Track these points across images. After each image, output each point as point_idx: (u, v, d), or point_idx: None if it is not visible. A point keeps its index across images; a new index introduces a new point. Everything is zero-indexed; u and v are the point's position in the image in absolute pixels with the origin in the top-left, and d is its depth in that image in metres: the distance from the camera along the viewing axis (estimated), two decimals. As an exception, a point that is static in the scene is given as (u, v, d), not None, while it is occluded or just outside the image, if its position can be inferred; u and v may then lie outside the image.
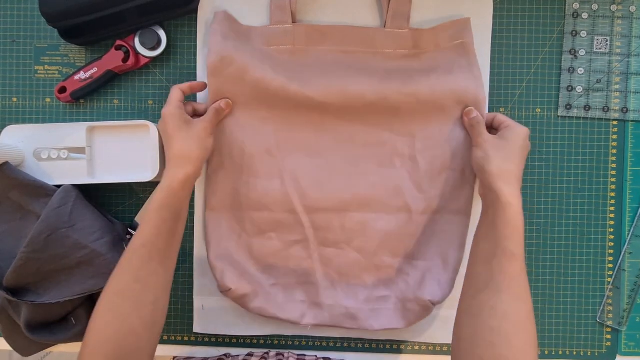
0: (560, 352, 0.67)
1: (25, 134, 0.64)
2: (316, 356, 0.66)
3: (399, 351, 0.68)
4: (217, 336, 0.68)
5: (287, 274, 0.66)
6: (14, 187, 0.61)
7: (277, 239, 0.65)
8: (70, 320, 0.63)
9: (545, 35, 0.66)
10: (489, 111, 0.65)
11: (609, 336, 0.67)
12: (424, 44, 0.64)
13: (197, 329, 0.68)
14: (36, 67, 0.68)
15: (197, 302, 0.68)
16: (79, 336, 0.63)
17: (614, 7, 0.65)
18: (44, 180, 0.62)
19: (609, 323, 0.66)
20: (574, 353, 0.67)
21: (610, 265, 0.66)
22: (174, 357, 0.67)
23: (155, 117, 0.67)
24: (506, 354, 0.47)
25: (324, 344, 0.68)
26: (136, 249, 0.54)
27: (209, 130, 0.60)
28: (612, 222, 0.66)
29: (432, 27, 0.63)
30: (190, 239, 0.67)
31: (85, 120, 0.68)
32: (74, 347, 0.65)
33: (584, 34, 0.65)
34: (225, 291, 0.64)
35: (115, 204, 0.68)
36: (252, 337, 0.68)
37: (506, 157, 0.56)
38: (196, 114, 0.63)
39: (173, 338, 0.69)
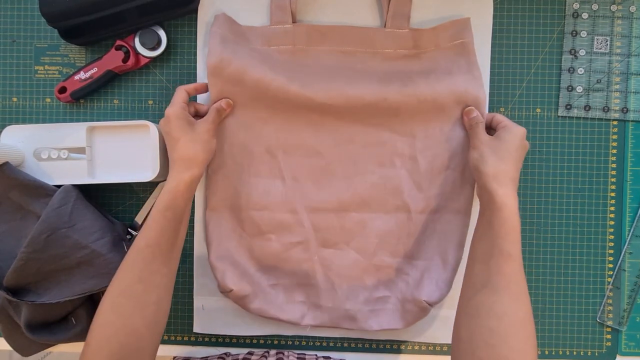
0: (560, 352, 0.67)
1: (25, 134, 0.64)
2: (316, 355, 0.66)
3: (398, 351, 0.68)
4: (217, 336, 0.68)
5: (287, 275, 0.66)
6: (14, 187, 0.61)
7: (277, 241, 0.65)
8: (70, 320, 0.63)
9: (545, 35, 0.66)
10: (489, 111, 0.65)
11: (609, 336, 0.67)
12: (424, 43, 0.64)
13: (197, 329, 0.68)
14: (36, 67, 0.68)
15: (197, 302, 0.68)
16: (79, 336, 0.63)
17: (614, 7, 0.65)
18: (44, 180, 0.62)
19: (609, 323, 0.66)
20: (574, 353, 0.67)
21: (610, 265, 0.66)
22: (174, 357, 0.67)
23: (155, 117, 0.67)
24: (505, 354, 0.47)
25: (324, 344, 0.68)
26: (140, 250, 0.54)
27: (212, 132, 0.60)
28: (612, 222, 0.66)
29: (432, 27, 0.63)
30: (190, 239, 0.67)
31: (85, 120, 0.68)
32: (74, 347, 0.65)
33: (584, 34, 0.65)
34: (226, 292, 0.64)
35: (115, 204, 0.68)
36: (252, 337, 0.68)
37: (501, 157, 0.56)
38: (198, 115, 0.63)
39: (173, 338, 0.69)
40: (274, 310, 0.64)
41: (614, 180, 0.66)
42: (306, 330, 0.67)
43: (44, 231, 0.58)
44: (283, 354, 0.64)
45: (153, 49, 0.65)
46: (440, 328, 0.67)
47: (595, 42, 0.65)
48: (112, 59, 0.64)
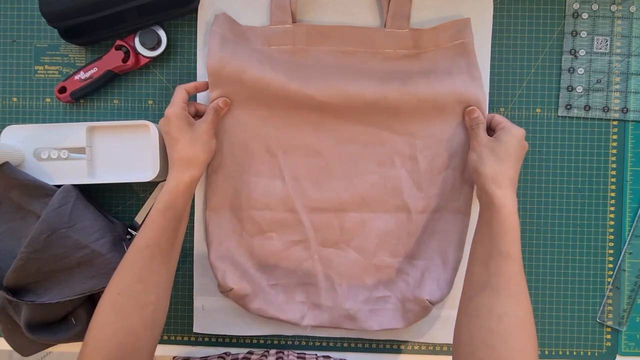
0: (560, 352, 0.67)
1: (25, 134, 0.64)
2: (316, 355, 0.66)
3: (399, 351, 0.68)
4: (217, 336, 0.68)
5: (287, 274, 0.66)
6: (14, 187, 0.61)
7: (278, 239, 0.65)
8: (70, 320, 0.63)
9: (545, 35, 0.66)
10: (489, 111, 0.65)
11: (609, 336, 0.67)
12: (424, 43, 0.64)
13: (197, 329, 0.68)
14: (36, 67, 0.68)
15: (197, 302, 0.68)
16: (79, 336, 0.63)
17: (614, 7, 0.65)
18: (44, 180, 0.62)
19: (609, 323, 0.66)
20: (574, 353, 0.67)
21: (610, 265, 0.66)
22: (174, 357, 0.67)
23: (155, 117, 0.67)
24: (505, 355, 0.47)
25: (324, 344, 0.68)
26: (140, 249, 0.54)
27: (211, 132, 0.61)
28: (612, 222, 0.66)
29: (432, 27, 0.63)
30: (190, 239, 0.67)
31: (85, 120, 0.68)
32: (74, 347, 0.65)
33: (584, 34, 0.65)
34: (226, 291, 0.64)
35: (115, 204, 0.68)
36: (252, 337, 0.68)
37: (500, 159, 0.56)
38: (198, 115, 0.63)
39: (173, 338, 0.69)
40: (274, 310, 0.64)
41: (614, 180, 0.66)
42: (306, 330, 0.67)
43: (44, 231, 0.58)
44: (283, 353, 0.64)
45: (153, 49, 0.65)
46: (441, 328, 0.67)
47: (595, 42, 0.65)
48: (112, 59, 0.64)
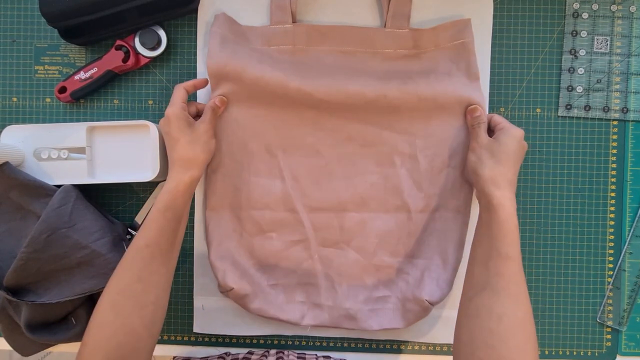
0: (560, 352, 0.67)
1: (25, 134, 0.64)
2: (316, 355, 0.66)
3: (399, 351, 0.68)
4: (217, 336, 0.68)
5: (287, 274, 0.66)
6: (14, 187, 0.61)
7: (278, 239, 0.65)
8: (70, 320, 0.63)
9: (545, 35, 0.66)
10: (489, 111, 0.65)
11: (609, 336, 0.67)
12: (424, 43, 0.64)
13: (197, 329, 0.68)
14: (36, 67, 0.68)
15: (197, 302, 0.68)
16: (79, 336, 0.63)
17: (614, 7, 0.65)
18: (44, 180, 0.62)
19: (609, 323, 0.66)
20: (574, 353, 0.67)
21: (610, 265, 0.66)
22: (174, 357, 0.67)
23: (155, 117, 0.67)
24: (505, 355, 0.47)
25: (324, 344, 0.68)
26: (139, 249, 0.54)
27: (211, 133, 0.61)
28: (612, 222, 0.66)
29: (432, 27, 0.63)
30: (190, 239, 0.67)
31: (85, 120, 0.68)
32: (74, 347, 0.65)
33: (584, 34, 0.65)
34: (226, 291, 0.64)
35: (115, 204, 0.68)
36: (252, 337, 0.68)
37: (499, 161, 0.56)
38: (199, 115, 0.63)
39: (173, 338, 0.69)
40: (274, 310, 0.64)
41: (614, 180, 0.66)
42: (306, 330, 0.67)
43: (44, 231, 0.58)
44: (283, 353, 0.64)
45: (153, 49, 0.65)
46: (441, 328, 0.67)
47: (596, 42, 0.65)
48: (112, 59, 0.64)
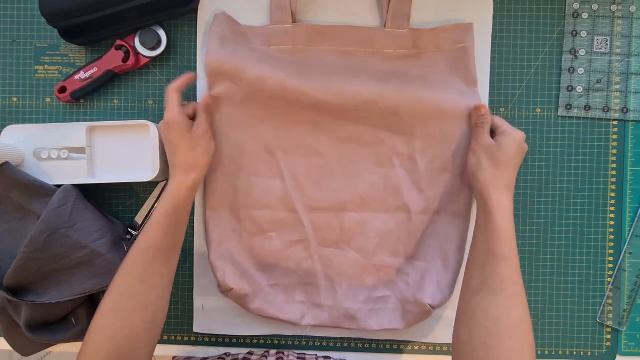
0: (560, 352, 0.67)
1: (25, 134, 0.64)
2: (316, 355, 0.66)
3: (399, 351, 0.68)
4: (217, 336, 0.68)
5: (287, 274, 0.66)
6: (14, 187, 0.61)
7: (278, 239, 0.65)
8: (70, 320, 0.63)
9: (545, 35, 0.66)
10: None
11: (609, 336, 0.67)
12: (424, 44, 0.64)
13: (197, 329, 0.68)
14: (36, 67, 0.68)
15: (197, 302, 0.68)
16: (79, 336, 0.63)
17: (614, 7, 0.65)
18: (44, 180, 0.62)
19: (609, 323, 0.66)
20: (574, 353, 0.67)
21: (610, 265, 0.66)
22: (174, 357, 0.67)
23: (155, 117, 0.67)
24: (502, 355, 0.47)
25: (324, 344, 0.68)
26: (141, 251, 0.54)
27: (210, 134, 0.61)
28: (612, 222, 0.66)
29: (432, 28, 0.63)
30: (190, 239, 0.67)
31: (85, 120, 0.68)
32: (74, 347, 0.65)
33: (584, 34, 0.65)
34: (226, 291, 0.64)
35: (115, 204, 0.68)
36: (252, 337, 0.68)
37: (498, 164, 0.57)
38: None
39: (173, 338, 0.69)
40: (274, 310, 0.64)
41: (614, 180, 0.66)
42: (306, 330, 0.67)
43: (44, 231, 0.58)
44: (283, 353, 0.64)
45: (153, 49, 0.65)
46: (442, 329, 0.67)
47: (595, 42, 0.65)
48: (112, 59, 0.64)
